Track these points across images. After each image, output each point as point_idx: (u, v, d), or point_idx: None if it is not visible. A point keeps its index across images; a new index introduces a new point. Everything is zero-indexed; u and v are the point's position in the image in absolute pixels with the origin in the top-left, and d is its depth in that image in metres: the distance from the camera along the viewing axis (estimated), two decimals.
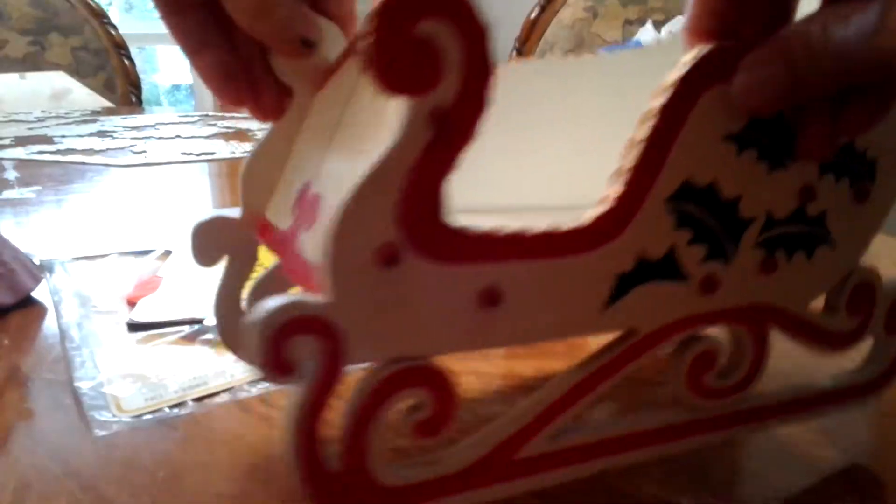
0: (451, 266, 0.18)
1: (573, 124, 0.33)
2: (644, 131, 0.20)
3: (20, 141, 1.08)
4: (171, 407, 0.31)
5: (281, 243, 0.24)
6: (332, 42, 0.26)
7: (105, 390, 0.33)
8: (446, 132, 0.17)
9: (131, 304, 0.43)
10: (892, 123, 0.24)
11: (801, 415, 0.27)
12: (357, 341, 0.18)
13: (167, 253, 0.52)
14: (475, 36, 0.16)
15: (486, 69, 0.17)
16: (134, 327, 0.40)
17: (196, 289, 0.44)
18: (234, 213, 0.27)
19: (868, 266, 0.26)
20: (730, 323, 0.24)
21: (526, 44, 1.23)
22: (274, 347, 0.17)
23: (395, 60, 0.16)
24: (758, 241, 0.23)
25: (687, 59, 0.20)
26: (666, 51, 0.34)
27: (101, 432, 0.29)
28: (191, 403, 0.32)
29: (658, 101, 0.20)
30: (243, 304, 0.29)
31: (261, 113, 0.27)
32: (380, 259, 0.17)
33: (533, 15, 1.23)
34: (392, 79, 0.16)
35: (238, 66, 0.26)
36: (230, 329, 0.28)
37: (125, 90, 1.71)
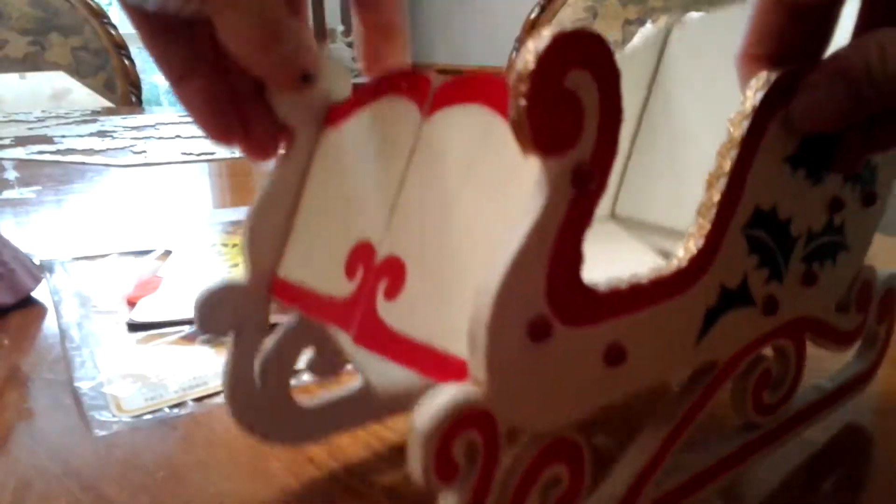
0: (585, 328, 0.17)
1: None
2: (728, 163, 0.20)
3: (20, 141, 1.08)
4: (171, 407, 0.31)
5: (336, 309, 0.21)
6: (335, 75, 0.24)
7: (105, 390, 0.33)
8: (587, 187, 0.16)
9: (131, 304, 0.43)
10: None
11: (817, 417, 0.28)
12: (509, 424, 0.17)
13: (167, 253, 0.52)
14: (612, 84, 0.15)
15: (619, 117, 0.16)
16: (134, 327, 0.40)
17: (196, 289, 0.44)
18: (241, 279, 0.24)
19: (867, 265, 0.27)
20: (780, 339, 0.24)
21: None
22: (440, 454, 0.15)
23: (550, 119, 0.15)
24: (802, 256, 0.23)
25: (756, 86, 0.20)
26: (626, 65, 0.35)
27: (101, 432, 0.30)
28: (191, 403, 0.32)
29: (738, 132, 0.20)
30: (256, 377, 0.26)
31: (252, 150, 0.24)
32: (532, 334, 0.16)
33: (533, 15, 1.23)
34: (546, 139, 0.15)
35: (228, 96, 0.23)
36: (246, 407, 0.25)
37: (125, 90, 1.71)
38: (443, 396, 0.15)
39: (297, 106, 0.23)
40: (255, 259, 0.24)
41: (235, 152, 0.25)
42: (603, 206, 0.37)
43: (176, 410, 0.31)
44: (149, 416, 0.31)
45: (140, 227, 0.61)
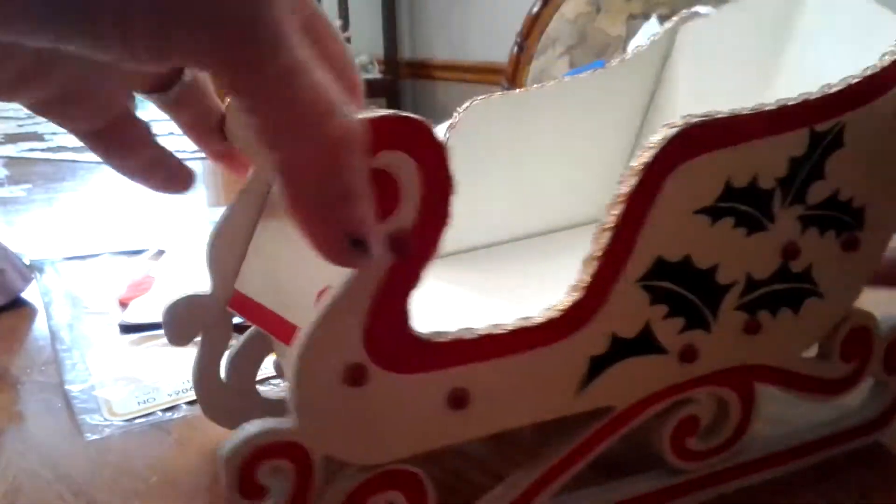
0: (418, 374, 0.19)
1: (540, 154, 0.34)
2: (611, 219, 0.20)
3: (10, 138, 1.07)
4: (164, 410, 0.31)
5: None
6: None
7: (97, 393, 0.32)
8: (408, 252, 0.17)
9: (123, 304, 0.42)
10: (876, 171, 0.24)
11: (797, 462, 0.27)
12: (328, 455, 0.18)
13: (160, 253, 0.52)
14: (432, 160, 0.17)
15: (445, 189, 0.17)
16: (126, 329, 0.39)
17: (189, 289, 0.43)
18: (204, 289, 0.26)
19: (862, 310, 0.26)
20: (714, 387, 0.24)
21: (527, 39, 1.21)
22: (243, 476, 0.17)
23: None
24: (739, 304, 0.23)
25: (654, 142, 0.20)
26: (630, 67, 0.35)
27: (92, 436, 0.29)
28: (184, 407, 0.31)
29: (624, 188, 0.20)
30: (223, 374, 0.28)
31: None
32: (348, 379, 0.18)
33: (535, 9, 1.22)
34: None
35: None
36: (212, 403, 0.27)
37: None
38: (250, 429, 0.17)
39: (248, 136, 0.23)
40: (217, 274, 0.26)
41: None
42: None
43: (169, 414, 0.31)
44: (141, 420, 0.30)
45: (132, 227, 0.60)
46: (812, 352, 0.26)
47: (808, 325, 0.24)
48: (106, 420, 0.30)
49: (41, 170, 0.85)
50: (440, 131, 0.30)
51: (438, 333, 0.19)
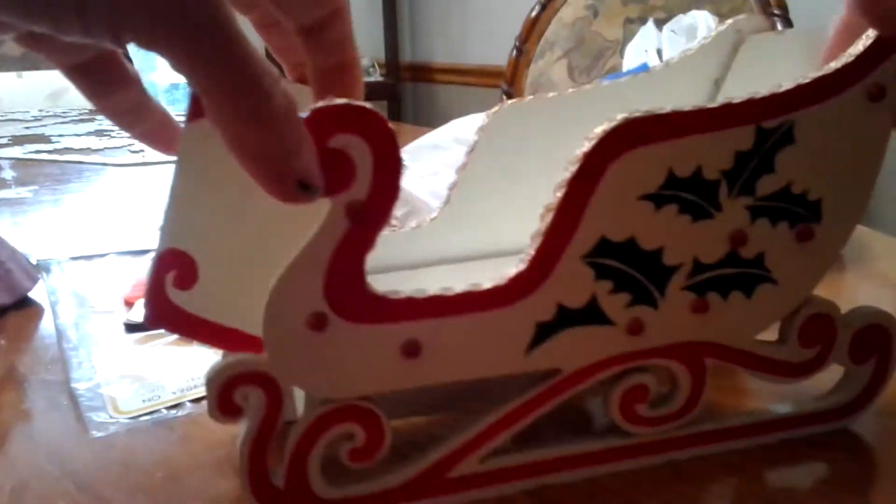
0: (373, 325, 0.22)
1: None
2: (555, 201, 0.22)
3: (17, 140, 1.08)
4: (169, 408, 0.31)
5: None
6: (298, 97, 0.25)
7: (102, 391, 0.33)
8: (363, 220, 0.20)
9: (129, 304, 0.42)
10: (833, 165, 0.24)
11: (757, 438, 0.27)
12: (293, 387, 0.22)
13: None
14: (382, 143, 0.20)
15: (395, 168, 0.20)
16: (132, 328, 0.40)
17: None
18: None
19: (823, 298, 0.26)
20: (663, 359, 0.25)
21: (526, 43, 1.22)
22: (222, 396, 0.22)
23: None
24: (686, 285, 0.24)
25: (596, 133, 0.22)
26: (677, 74, 0.34)
27: (98, 433, 0.29)
28: (189, 404, 0.32)
29: (567, 174, 0.22)
30: None
31: None
32: (310, 325, 0.21)
33: (533, 13, 1.22)
34: None
35: None
36: None
37: None
38: (228, 360, 0.22)
39: None
40: None
41: None
42: None
43: (174, 412, 0.31)
44: (146, 418, 0.31)
45: (138, 227, 0.60)
46: (773, 335, 0.27)
47: (761, 309, 0.25)
48: (111, 417, 0.31)
49: (47, 171, 0.85)
50: (471, 131, 0.30)
51: (393, 292, 0.22)
